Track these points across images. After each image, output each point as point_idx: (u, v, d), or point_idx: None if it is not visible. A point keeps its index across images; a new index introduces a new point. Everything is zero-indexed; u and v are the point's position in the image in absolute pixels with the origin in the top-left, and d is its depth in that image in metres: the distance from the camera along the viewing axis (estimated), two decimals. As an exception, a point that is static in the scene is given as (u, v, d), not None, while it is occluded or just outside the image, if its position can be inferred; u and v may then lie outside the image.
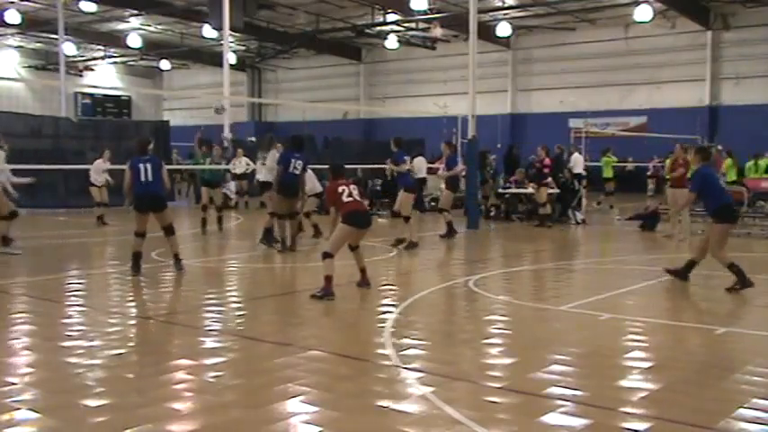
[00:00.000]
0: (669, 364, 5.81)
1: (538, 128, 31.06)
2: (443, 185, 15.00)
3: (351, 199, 8.50)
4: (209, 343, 6.40)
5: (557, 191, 17.93)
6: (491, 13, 28.82)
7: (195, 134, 19.44)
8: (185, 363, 5.67)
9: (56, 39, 27.49)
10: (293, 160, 12.00)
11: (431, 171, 17.86)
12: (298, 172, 12.04)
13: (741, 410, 4.62)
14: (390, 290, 9.02)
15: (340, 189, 8.55)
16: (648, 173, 25.84)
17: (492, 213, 19.24)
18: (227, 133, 18.45)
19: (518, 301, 8.56)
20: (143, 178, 9.73)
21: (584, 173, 19.11)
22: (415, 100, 35.62)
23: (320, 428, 4.31)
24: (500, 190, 19.52)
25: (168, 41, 37.42)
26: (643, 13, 26.56)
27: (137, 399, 4.84)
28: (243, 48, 38.01)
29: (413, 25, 30.83)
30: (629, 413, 4.59)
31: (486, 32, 28.03)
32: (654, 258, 12.28)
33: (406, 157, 13.76)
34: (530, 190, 18.04)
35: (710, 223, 9.18)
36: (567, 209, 18.08)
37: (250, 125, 39.45)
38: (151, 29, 35.10)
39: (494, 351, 6.20)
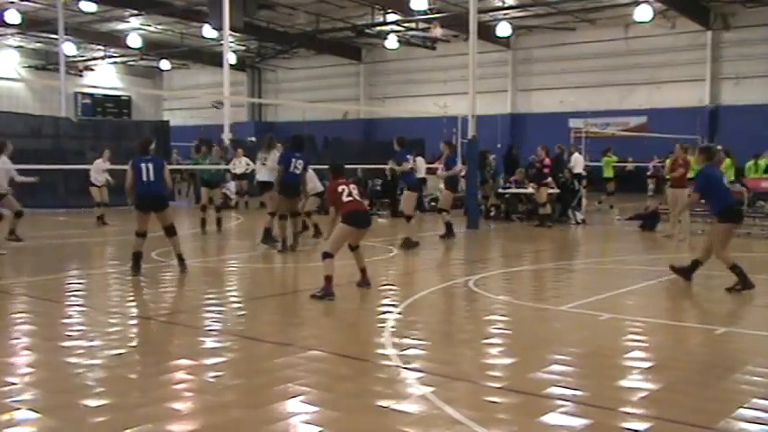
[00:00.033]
0: (669, 364, 5.81)
1: (538, 128, 31.06)
2: (442, 185, 15.01)
3: (351, 199, 8.50)
4: (209, 343, 6.40)
5: (557, 191, 17.93)
6: (491, 13, 28.82)
7: (196, 138, 19.46)
8: (185, 363, 5.67)
9: (56, 39, 27.48)
10: (294, 160, 12.01)
11: (430, 171, 17.87)
12: (299, 171, 12.05)
13: (741, 410, 4.62)
14: (390, 290, 9.02)
15: (340, 189, 8.54)
16: (648, 173, 25.83)
17: (492, 213, 19.25)
18: (226, 133, 18.44)
19: (518, 301, 8.56)
20: (145, 178, 9.73)
21: (584, 173, 19.12)
22: (415, 100, 35.63)
23: (320, 428, 4.31)
24: (500, 190, 19.53)
25: (168, 41, 37.42)
26: (643, 13, 26.57)
27: (137, 399, 4.84)
28: (243, 48, 38.01)
29: (413, 25, 30.83)
30: (629, 413, 4.59)
31: (486, 32, 28.04)
32: (654, 258, 12.29)
33: (409, 157, 13.77)
34: (530, 190, 18.04)
35: (713, 223, 9.16)
36: (566, 209, 18.08)
37: (250, 125, 39.46)
38: (151, 29, 35.10)
39: (494, 351, 6.20)
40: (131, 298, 8.68)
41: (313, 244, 12.90)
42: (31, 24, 31.81)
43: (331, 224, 8.75)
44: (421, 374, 5.36)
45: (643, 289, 9.15)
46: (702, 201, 10.16)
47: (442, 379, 5.26)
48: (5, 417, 4.46)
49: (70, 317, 7.60)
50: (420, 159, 16.57)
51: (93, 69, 41.95)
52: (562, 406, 4.68)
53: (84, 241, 14.46)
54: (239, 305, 8.19)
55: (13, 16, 29.61)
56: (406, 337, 6.45)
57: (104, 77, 42.22)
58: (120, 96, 41.77)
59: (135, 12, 30.82)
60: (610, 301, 8.34)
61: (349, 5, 29.64)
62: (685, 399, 4.90)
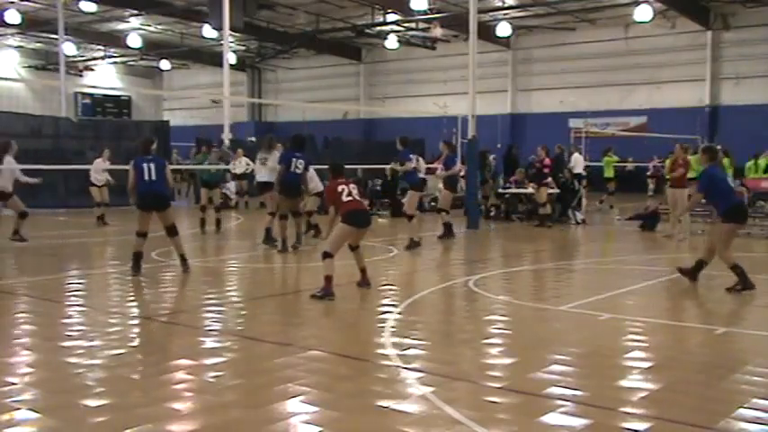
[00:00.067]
0: (669, 364, 5.81)
1: (538, 128, 31.07)
2: (441, 185, 15.00)
3: (350, 198, 8.50)
4: (209, 343, 6.40)
5: (557, 191, 17.94)
6: (491, 13, 28.83)
7: (195, 142, 19.45)
8: (185, 363, 5.67)
9: (56, 39, 27.48)
10: (294, 159, 12.01)
11: (429, 171, 17.86)
12: (299, 171, 12.05)
13: (741, 410, 4.62)
14: (390, 290, 9.01)
15: (339, 188, 8.54)
16: (648, 173, 25.84)
17: (492, 213, 19.25)
18: (226, 133, 18.45)
19: (518, 301, 8.56)
20: (147, 177, 9.73)
21: (584, 173, 19.11)
22: (415, 100, 35.63)
23: (320, 428, 4.31)
24: (500, 190, 19.53)
25: (168, 41, 37.42)
26: (643, 13, 26.58)
27: (137, 399, 4.85)
28: (243, 48, 38.01)
29: (413, 25, 30.83)
30: (629, 413, 4.59)
31: (486, 32, 28.04)
32: (654, 258, 12.29)
33: (412, 156, 13.77)
34: (530, 190, 18.05)
35: (717, 222, 9.14)
36: (567, 209, 18.08)
37: (250, 125, 39.49)
38: (151, 29, 35.11)
39: (494, 351, 6.20)
40: (131, 298, 8.68)
41: (313, 244, 12.90)
42: (31, 24, 31.81)
43: (330, 224, 8.75)
44: (421, 374, 5.36)
45: (643, 289, 9.15)
46: (703, 201, 10.17)
47: (442, 379, 5.26)
48: (5, 417, 4.46)
49: (70, 317, 7.60)
50: (420, 160, 16.54)
51: (93, 69, 41.96)
52: (562, 406, 4.68)
53: (84, 241, 14.46)
54: (239, 305, 8.19)
55: (13, 16, 29.62)
56: (406, 337, 6.45)
57: (104, 77, 42.23)
58: (120, 96, 41.78)
59: (135, 12, 30.82)
60: (610, 301, 8.33)
61: (349, 5, 29.64)
62: (685, 399, 4.90)
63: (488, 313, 7.76)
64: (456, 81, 30.23)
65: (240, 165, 19.40)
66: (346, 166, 9.51)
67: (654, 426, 4.39)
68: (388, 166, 17.19)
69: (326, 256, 8.22)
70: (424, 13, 27.79)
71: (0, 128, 20.63)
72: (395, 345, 6.17)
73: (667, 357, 6.05)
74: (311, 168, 12.80)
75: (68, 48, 31.91)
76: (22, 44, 38.50)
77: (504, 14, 29.49)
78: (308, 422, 4.39)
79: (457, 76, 29.87)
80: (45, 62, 38.67)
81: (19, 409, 4.59)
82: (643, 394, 4.96)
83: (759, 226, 15.27)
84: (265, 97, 42.28)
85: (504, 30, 29.37)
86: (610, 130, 26.99)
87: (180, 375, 5.35)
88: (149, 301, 8.58)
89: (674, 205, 14.33)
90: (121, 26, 34.39)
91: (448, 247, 13.57)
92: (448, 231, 14.31)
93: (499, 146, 27.29)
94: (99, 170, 17.06)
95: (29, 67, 39.54)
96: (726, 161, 19.90)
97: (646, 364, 5.72)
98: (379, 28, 31.58)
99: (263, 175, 13.41)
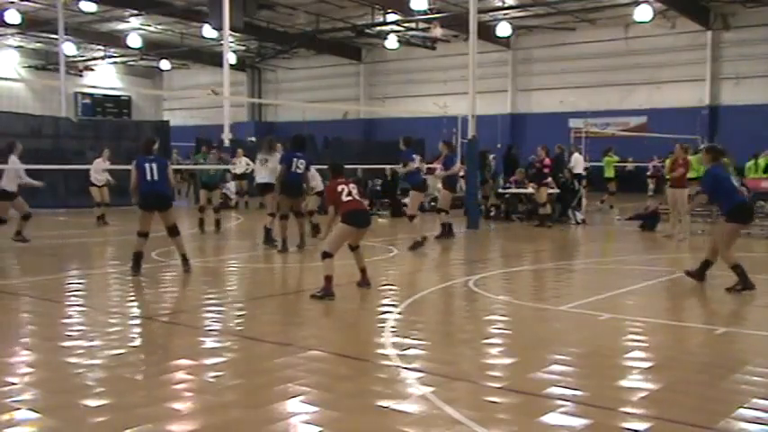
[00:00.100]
0: (669, 364, 5.81)
1: (538, 128, 31.08)
2: (440, 185, 15.00)
3: (350, 198, 8.50)
4: (209, 343, 6.40)
5: (557, 191, 17.94)
6: (491, 13, 28.83)
7: (195, 142, 19.44)
8: (185, 363, 5.67)
9: (56, 39, 27.47)
10: (295, 159, 12.02)
11: (428, 171, 17.85)
12: (300, 171, 12.06)
13: (741, 410, 4.62)
14: (390, 290, 9.01)
15: (339, 188, 8.55)
16: (648, 173, 25.84)
17: (492, 213, 19.25)
18: (226, 133, 18.44)
19: (518, 301, 8.56)
20: (149, 177, 9.73)
21: (584, 173, 19.11)
22: (415, 100, 35.63)
23: (320, 428, 4.31)
24: (500, 190, 19.53)
25: (168, 41, 37.42)
26: (643, 13, 26.58)
27: (137, 399, 4.84)
28: (243, 48, 38.02)
29: (413, 25, 30.83)
30: (629, 413, 4.59)
31: (486, 32, 28.04)
32: (654, 258, 12.30)
33: (414, 156, 13.77)
34: (530, 190, 18.05)
35: (719, 222, 9.12)
36: (566, 209, 18.08)
37: (250, 125, 39.49)
38: (151, 29, 35.11)
39: (494, 351, 6.20)
40: (132, 298, 8.68)
41: (313, 244, 12.90)
42: (31, 24, 31.81)
43: (330, 223, 8.75)
44: (421, 374, 5.36)
45: (643, 289, 9.15)
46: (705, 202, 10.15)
47: (442, 379, 5.26)
48: (5, 417, 4.46)
49: (70, 317, 7.60)
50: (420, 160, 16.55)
51: (93, 69, 41.97)
52: (562, 406, 4.68)
53: (84, 241, 14.47)
54: (239, 305, 8.19)
55: (13, 16, 29.61)
56: (406, 337, 6.45)
57: (104, 77, 42.23)
58: (120, 96, 41.79)
59: (135, 12, 30.83)
60: (610, 301, 8.33)
61: (349, 5, 29.64)
62: (685, 399, 4.90)
63: (488, 313, 7.76)
64: (456, 81, 30.24)
65: (240, 165, 19.41)
66: (346, 166, 9.52)
67: (654, 426, 4.39)
68: (388, 167, 17.19)
69: (326, 255, 8.22)
70: (424, 13, 27.80)
71: (0, 128, 20.63)
72: (395, 345, 6.17)
73: (667, 357, 6.04)
74: (312, 168, 12.80)
75: (68, 48, 31.92)
76: (22, 44, 38.51)
77: (504, 14, 29.50)
78: (308, 422, 4.39)
79: (457, 76, 29.87)
80: (45, 62, 38.68)
81: (19, 409, 4.59)
82: (643, 394, 4.96)
83: (759, 226, 15.27)
84: (265, 97, 42.29)
85: (504, 30, 29.37)
86: (610, 130, 26.98)
87: (180, 375, 5.35)
88: (149, 301, 8.58)
89: (673, 205, 14.34)
90: (121, 26, 34.39)
91: (448, 247, 13.57)
92: (447, 231, 14.30)
93: (499, 146, 27.28)
94: (99, 170, 17.06)
95: (29, 67, 39.55)
96: (725, 161, 19.91)
97: (646, 364, 5.72)
98: (379, 28, 31.58)
99: (263, 176, 13.42)
